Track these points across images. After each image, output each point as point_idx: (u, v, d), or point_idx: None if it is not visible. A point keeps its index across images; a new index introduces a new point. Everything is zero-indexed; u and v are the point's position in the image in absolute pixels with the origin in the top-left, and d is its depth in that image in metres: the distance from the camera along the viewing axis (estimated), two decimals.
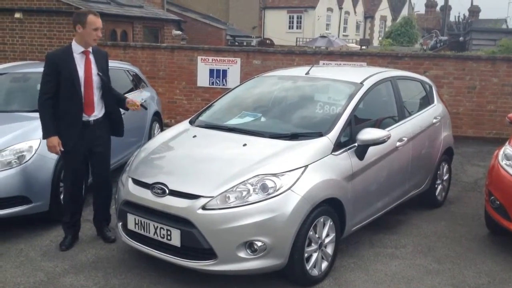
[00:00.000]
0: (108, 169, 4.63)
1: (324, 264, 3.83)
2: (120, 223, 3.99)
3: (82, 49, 4.18)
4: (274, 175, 3.53)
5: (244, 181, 3.49)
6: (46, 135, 4.17)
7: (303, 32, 34.60)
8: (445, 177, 5.79)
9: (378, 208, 4.49)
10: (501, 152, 4.65)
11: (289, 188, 3.48)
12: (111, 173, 4.75)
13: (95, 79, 4.23)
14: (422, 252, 4.45)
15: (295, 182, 3.53)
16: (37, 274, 3.92)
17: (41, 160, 4.71)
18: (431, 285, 3.83)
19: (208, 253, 3.42)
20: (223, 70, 10.85)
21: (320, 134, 3.97)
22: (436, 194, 5.62)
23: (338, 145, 3.96)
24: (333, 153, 3.89)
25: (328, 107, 4.35)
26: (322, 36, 22.72)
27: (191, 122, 4.69)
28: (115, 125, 4.49)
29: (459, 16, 23.97)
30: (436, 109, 5.57)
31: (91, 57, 4.24)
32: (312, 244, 3.67)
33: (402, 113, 4.90)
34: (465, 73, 9.94)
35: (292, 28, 36.38)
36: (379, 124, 4.56)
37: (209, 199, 3.43)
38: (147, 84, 8.37)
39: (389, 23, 42.83)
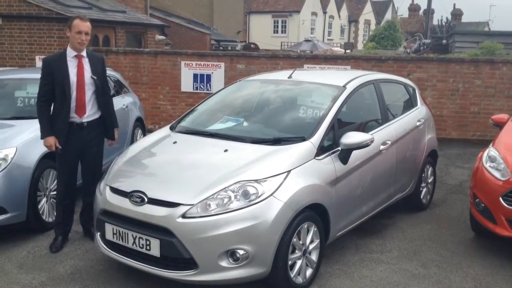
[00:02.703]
0: (100, 171, 4.66)
1: (309, 271, 3.74)
2: (99, 233, 3.87)
3: (75, 53, 4.30)
4: (256, 181, 3.45)
5: (225, 187, 3.40)
6: (42, 135, 4.29)
7: (288, 36, 34.66)
8: (430, 180, 5.76)
9: (363, 212, 4.43)
10: (485, 154, 4.63)
11: (271, 194, 3.40)
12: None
13: (88, 82, 4.33)
14: (407, 257, 4.39)
15: (277, 188, 3.45)
16: None
17: (17, 169, 4.57)
18: None
19: (189, 263, 3.32)
20: (207, 75, 10.78)
21: (303, 139, 3.89)
22: (421, 197, 5.58)
23: (321, 149, 3.90)
24: (316, 158, 3.82)
25: (311, 111, 4.28)
26: (307, 40, 22.77)
27: (171, 128, 4.59)
28: (107, 128, 4.58)
29: (442, 20, 24.23)
30: (419, 111, 5.54)
31: (85, 60, 4.33)
32: (296, 251, 3.58)
33: (386, 116, 4.86)
34: (448, 75, 9.98)
35: (277, 32, 36.43)
36: (363, 127, 4.51)
37: (189, 207, 3.34)
38: (129, 90, 8.24)
39: (373, 26, 43.14)
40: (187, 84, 10.86)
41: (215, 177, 3.50)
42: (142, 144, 4.32)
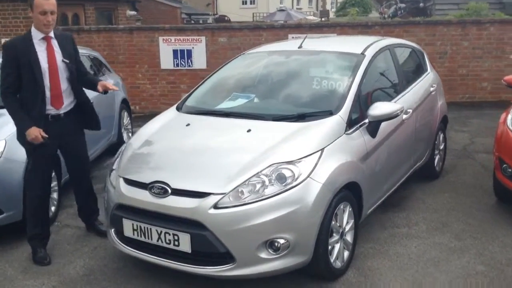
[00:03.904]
0: (87, 163, 4.27)
1: (346, 254, 3.50)
2: (113, 229, 3.51)
3: (42, 35, 3.70)
4: (290, 162, 3.14)
5: (258, 172, 3.08)
6: (24, 129, 3.69)
7: (257, 7, 33.97)
8: (441, 147, 5.58)
9: (390, 186, 4.21)
10: (509, 117, 4.43)
11: (308, 176, 3.10)
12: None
13: (61, 67, 3.77)
14: (437, 229, 4.20)
15: (313, 169, 3.15)
16: None
17: (9, 164, 4.13)
18: (461, 265, 3.58)
19: (224, 257, 3.02)
20: (187, 50, 10.29)
21: (330, 113, 3.59)
22: (435, 165, 5.40)
23: (350, 123, 3.61)
24: (346, 133, 3.54)
25: (331, 82, 3.97)
26: (281, 10, 22.14)
27: (178, 109, 4.21)
28: (88, 118, 4.05)
29: None
30: (430, 77, 5.30)
31: (54, 42, 3.75)
32: (334, 235, 3.32)
33: (403, 84, 4.59)
34: (436, 38, 9.80)
35: (246, 3, 35.64)
36: (385, 97, 4.23)
37: (221, 196, 3.01)
38: (109, 70, 7.73)
39: None
40: (166, 61, 10.35)
41: (244, 161, 3.17)
42: (151, 128, 3.92)
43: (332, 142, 3.37)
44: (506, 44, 9.89)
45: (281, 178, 3.07)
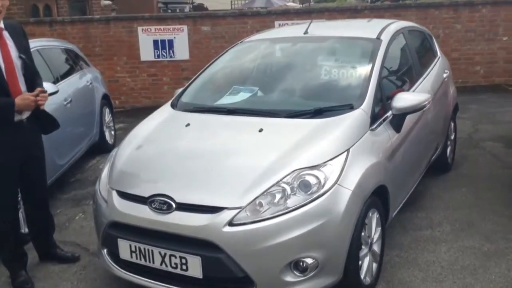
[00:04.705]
0: (46, 180, 3.63)
1: (374, 266, 3.09)
2: (105, 250, 3.02)
3: None
4: (315, 167, 2.69)
5: (279, 181, 2.62)
6: (7, 106, 3.06)
7: None
8: (452, 137, 5.21)
9: (412, 184, 3.82)
10: None
11: (335, 182, 2.66)
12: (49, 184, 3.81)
13: (18, 63, 3.17)
14: (463, 230, 3.83)
15: (340, 173, 2.71)
16: None
17: None
18: (501, 273, 3.20)
19: (243, 282, 2.57)
20: (168, 40, 9.74)
21: (350, 107, 3.15)
22: (447, 156, 5.03)
23: (373, 118, 3.18)
24: (370, 129, 3.10)
25: (349, 72, 3.52)
26: None
27: (173, 106, 3.71)
28: (43, 121, 3.38)
29: None
30: (442, 62, 4.91)
31: (6, 35, 3.14)
32: (363, 247, 2.89)
33: (419, 70, 4.18)
34: (427, 22, 9.41)
35: None
36: (405, 85, 3.81)
37: (237, 210, 2.54)
38: (87, 63, 7.13)
39: None
40: (147, 52, 9.78)
41: (261, 167, 2.70)
42: (144, 130, 3.40)
43: (357, 141, 2.93)
44: (498, 26, 9.62)
45: (305, 186, 2.62)
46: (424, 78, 4.20)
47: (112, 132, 7.03)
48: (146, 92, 9.95)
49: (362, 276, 2.87)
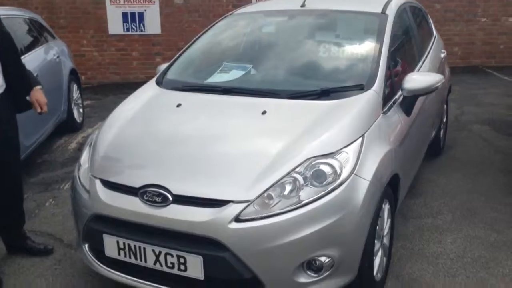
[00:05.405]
0: (20, 164, 3.28)
1: (384, 261, 2.85)
2: (87, 245, 2.67)
3: None
4: (329, 155, 2.40)
5: (291, 170, 2.32)
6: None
7: None
8: (444, 119, 5.03)
9: (416, 170, 3.60)
10: None
11: (352, 172, 2.38)
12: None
13: None
14: (465, 218, 3.65)
15: (356, 162, 2.43)
16: None
17: None
18: None
19: (251, 284, 2.28)
20: (139, 13, 9.24)
21: (361, 87, 2.86)
22: (440, 139, 4.85)
23: (384, 100, 2.90)
24: (383, 112, 2.83)
25: (355, 49, 3.23)
26: None
27: (158, 83, 3.33)
28: (17, 98, 3.08)
29: None
30: (438, 41, 4.68)
31: None
32: (376, 242, 2.64)
33: (422, 49, 3.94)
34: None
35: None
36: (412, 65, 3.56)
37: (244, 204, 2.23)
38: (53, 35, 6.58)
39: None
40: (115, 25, 9.27)
41: (269, 155, 2.38)
42: (128, 111, 3.00)
43: (371, 126, 2.65)
44: (477, 7, 9.54)
45: (319, 177, 2.33)
46: (426, 58, 3.96)
47: (81, 110, 6.56)
48: (114, 67, 9.43)
49: (374, 273, 2.63)
